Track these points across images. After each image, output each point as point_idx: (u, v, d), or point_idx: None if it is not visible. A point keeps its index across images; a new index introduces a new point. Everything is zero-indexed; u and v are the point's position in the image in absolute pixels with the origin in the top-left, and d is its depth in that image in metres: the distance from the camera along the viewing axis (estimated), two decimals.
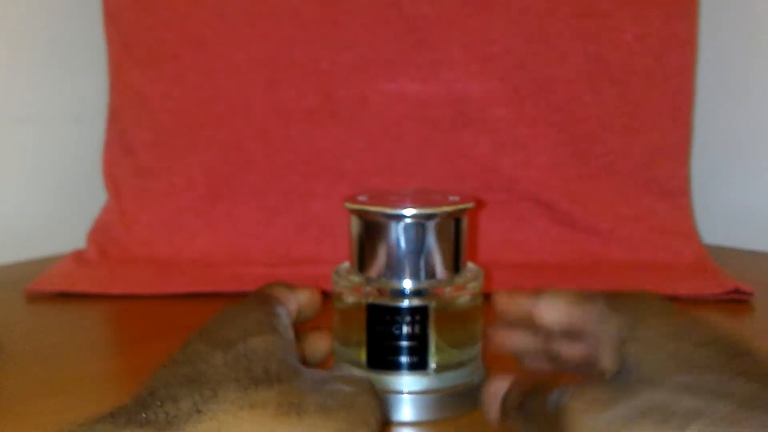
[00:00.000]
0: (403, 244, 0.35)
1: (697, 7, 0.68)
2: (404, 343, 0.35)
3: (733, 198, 0.76)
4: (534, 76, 0.66)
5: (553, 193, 0.67)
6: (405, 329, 0.35)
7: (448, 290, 0.36)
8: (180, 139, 0.68)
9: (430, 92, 0.66)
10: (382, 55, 0.66)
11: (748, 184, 0.75)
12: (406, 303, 0.35)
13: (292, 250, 0.67)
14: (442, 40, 0.66)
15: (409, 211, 0.35)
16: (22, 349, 0.47)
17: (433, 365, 0.36)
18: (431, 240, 0.36)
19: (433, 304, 0.35)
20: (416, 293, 0.35)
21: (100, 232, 0.70)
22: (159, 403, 0.24)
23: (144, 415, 0.24)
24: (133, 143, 0.70)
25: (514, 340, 0.36)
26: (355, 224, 0.37)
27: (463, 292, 0.37)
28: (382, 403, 0.28)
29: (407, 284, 0.36)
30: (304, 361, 0.34)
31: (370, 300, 0.36)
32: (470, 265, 0.39)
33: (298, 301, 0.35)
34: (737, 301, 0.56)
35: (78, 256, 0.67)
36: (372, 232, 0.36)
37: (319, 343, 0.37)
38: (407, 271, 0.36)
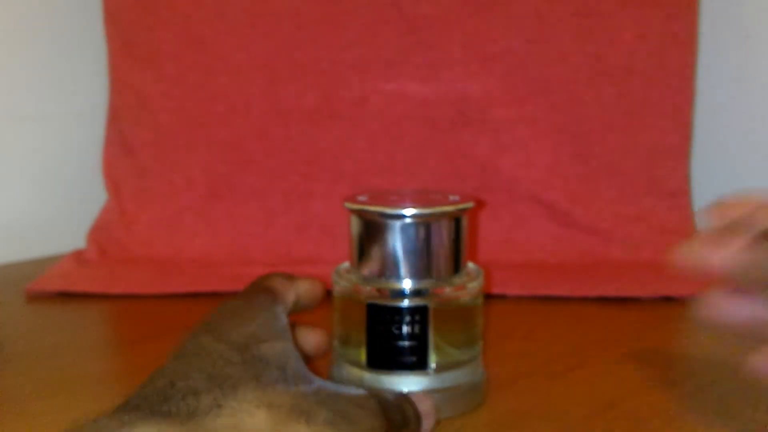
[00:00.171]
0: (402, 243, 0.35)
1: (697, 7, 0.68)
2: (404, 343, 0.35)
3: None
4: (534, 76, 0.66)
5: (553, 193, 0.67)
6: (405, 329, 0.35)
7: (448, 290, 0.36)
8: (180, 139, 0.68)
9: (430, 92, 0.66)
10: (382, 55, 0.66)
11: (748, 183, 0.75)
12: (406, 303, 0.35)
13: (292, 250, 0.67)
14: (442, 40, 0.66)
15: (409, 211, 0.35)
16: (22, 349, 0.47)
17: (433, 365, 0.36)
18: (431, 240, 0.36)
19: (433, 304, 0.35)
20: (416, 293, 0.35)
21: (100, 232, 0.70)
22: (181, 396, 0.25)
23: (167, 407, 0.25)
24: (133, 143, 0.70)
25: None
26: (355, 224, 0.37)
27: (463, 292, 0.37)
28: (385, 424, 0.30)
29: (407, 284, 0.36)
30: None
31: (370, 300, 0.36)
32: (470, 265, 0.39)
33: (297, 291, 0.36)
34: None
35: (78, 256, 0.67)
36: (372, 231, 0.36)
37: (309, 337, 0.38)
38: (407, 271, 0.36)
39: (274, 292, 0.34)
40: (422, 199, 0.37)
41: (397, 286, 0.36)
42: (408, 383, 0.36)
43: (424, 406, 0.33)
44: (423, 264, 0.36)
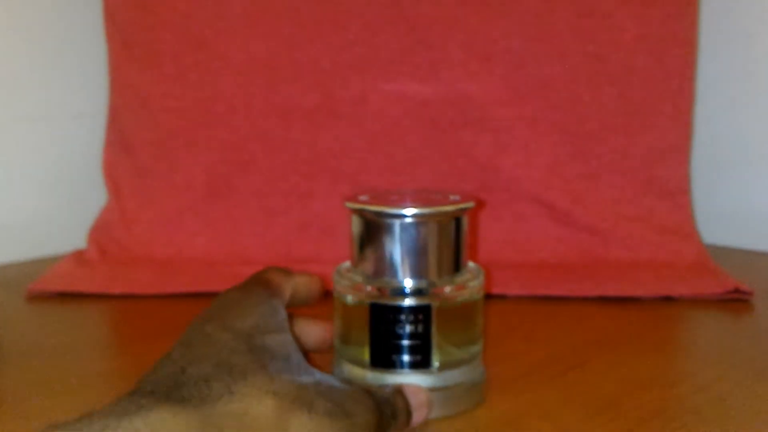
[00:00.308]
0: (403, 243, 0.35)
1: (697, 7, 0.68)
2: (407, 342, 0.36)
3: (733, 198, 0.76)
4: (534, 76, 0.66)
5: (553, 193, 0.67)
6: (408, 328, 0.35)
7: (448, 289, 0.36)
8: (180, 139, 0.68)
9: (430, 92, 0.66)
10: (382, 55, 0.66)
11: (748, 184, 0.75)
12: (409, 302, 0.35)
13: (292, 250, 0.67)
14: (442, 40, 0.66)
15: (409, 211, 0.35)
16: (22, 349, 0.47)
17: (436, 363, 0.36)
18: (432, 239, 0.36)
19: (435, 303, 0.36)
20: (416, 292, 0.36)
21: (100, 231, 0.70)
22: (193, 382, 0.26)
23: (180, 393, 0.26)
24: (133, 143, 0.70)
25: None
26: (355, 223, 0.37)
27: (464, 291, 0.37)
28: (381, 421, 0.31)
29: (408, 283, 0.36)
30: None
31: (372, 299, 0.36)
32: (471, 264, 0.39)
33: (294, 286, 0.36)
34: (737, 300, 0.56)
35: (78, 256, 0.67)
36: (372, 231, 0.36)
37: (311, 330, 0.39)
38: (408, 270, 0.36)
39: (272, 285, 0.35)
40: (423, 199, 0.37)
41: (397, 285, 0.36)
42: (412, 381, 0.36)
43: (416, 399, 0.34)
44: (423, 263, 0.36)
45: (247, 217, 0.68)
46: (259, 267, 0.65)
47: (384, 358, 0.36)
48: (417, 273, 0.36)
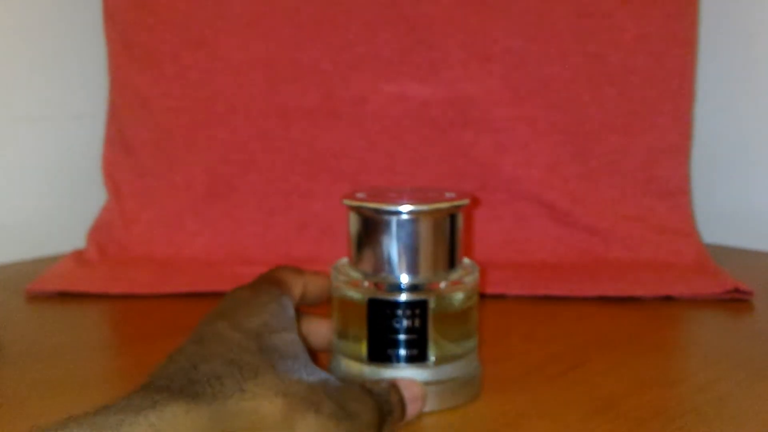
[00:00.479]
0: (399, 239, 0.36)
1: (697, 7, 0.68)
2: (404, 337, 0.36)
3: (733, 198, 0.76)
4: (534, 76, 0.66)
5: (553, 193, 0.67)
6: (405, 323, 0.36)
7: (443, 285, 0.36)
8: (180, 139, 0.68)
9: (430, 92, 0.66)
10: (382, 55, 0.66)
11: (748, 184, 0.75)
12: (406, 297, 0.36)
13: (292, 250, 0.67)
14: (442, 40, 0.66)
15: (405, 208, 0.35)
16: (22, 349, 0.47)
17: (432, 358, 0.36)
18: (427, 236, 0.36)
19: (432, 298, 0.36)
20: (412, 288, 0.36)
21: (100, 231, 0.70)
22: (206, 379, 0.27)
23: (193, 389, 0.26)
24: (133, 143, 0.70)
25: None
26: (353, 220, 0.37)
27: (459, 287, 0.37)
28: (381, 419, 0.31)
29: (404, 279, 0.36)
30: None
31: (369, 295, 0.36)
32: (466, 260, 0.40)
33: (305, 285, 0.37)
34: (737, 300, 0.56)
35: (78, 256, 0.67)
36: (369, 228, 0.37)
37: (321, 328, 0.39)
38: (404, 266, 0.36)
39: (282, 283, 0.36)
40: (419, 196, 0.38)
41: (393, 281, 0.36)
42: (408, 375, 0.36)
43: (410, 392, 0.34)
44: (419, 259, 0.36)
45: (247, 217, 0.68)
46: (259, 267, 0.66)
47: (381, 352, 0.36)
48: (413, 269, 0.36)
